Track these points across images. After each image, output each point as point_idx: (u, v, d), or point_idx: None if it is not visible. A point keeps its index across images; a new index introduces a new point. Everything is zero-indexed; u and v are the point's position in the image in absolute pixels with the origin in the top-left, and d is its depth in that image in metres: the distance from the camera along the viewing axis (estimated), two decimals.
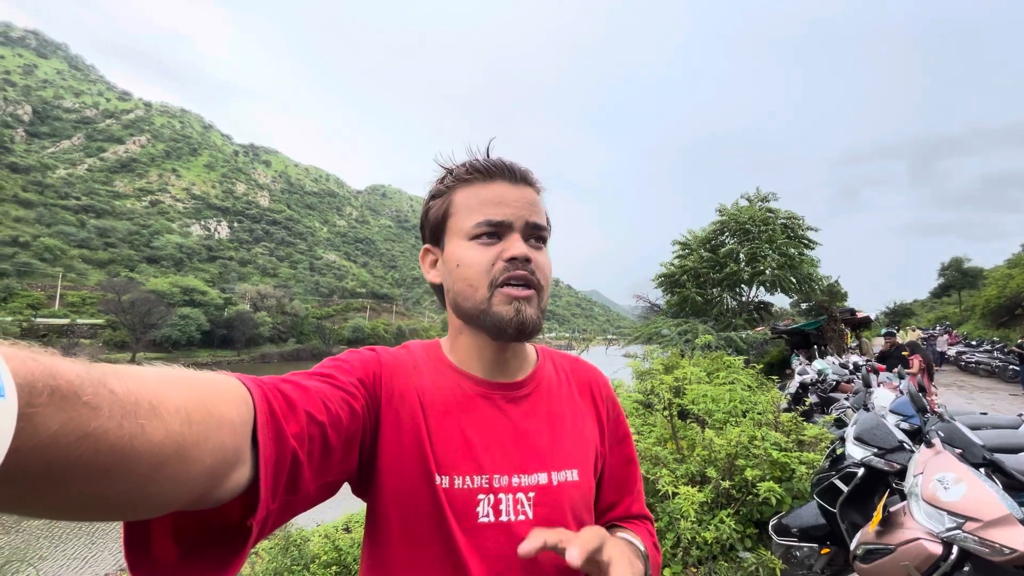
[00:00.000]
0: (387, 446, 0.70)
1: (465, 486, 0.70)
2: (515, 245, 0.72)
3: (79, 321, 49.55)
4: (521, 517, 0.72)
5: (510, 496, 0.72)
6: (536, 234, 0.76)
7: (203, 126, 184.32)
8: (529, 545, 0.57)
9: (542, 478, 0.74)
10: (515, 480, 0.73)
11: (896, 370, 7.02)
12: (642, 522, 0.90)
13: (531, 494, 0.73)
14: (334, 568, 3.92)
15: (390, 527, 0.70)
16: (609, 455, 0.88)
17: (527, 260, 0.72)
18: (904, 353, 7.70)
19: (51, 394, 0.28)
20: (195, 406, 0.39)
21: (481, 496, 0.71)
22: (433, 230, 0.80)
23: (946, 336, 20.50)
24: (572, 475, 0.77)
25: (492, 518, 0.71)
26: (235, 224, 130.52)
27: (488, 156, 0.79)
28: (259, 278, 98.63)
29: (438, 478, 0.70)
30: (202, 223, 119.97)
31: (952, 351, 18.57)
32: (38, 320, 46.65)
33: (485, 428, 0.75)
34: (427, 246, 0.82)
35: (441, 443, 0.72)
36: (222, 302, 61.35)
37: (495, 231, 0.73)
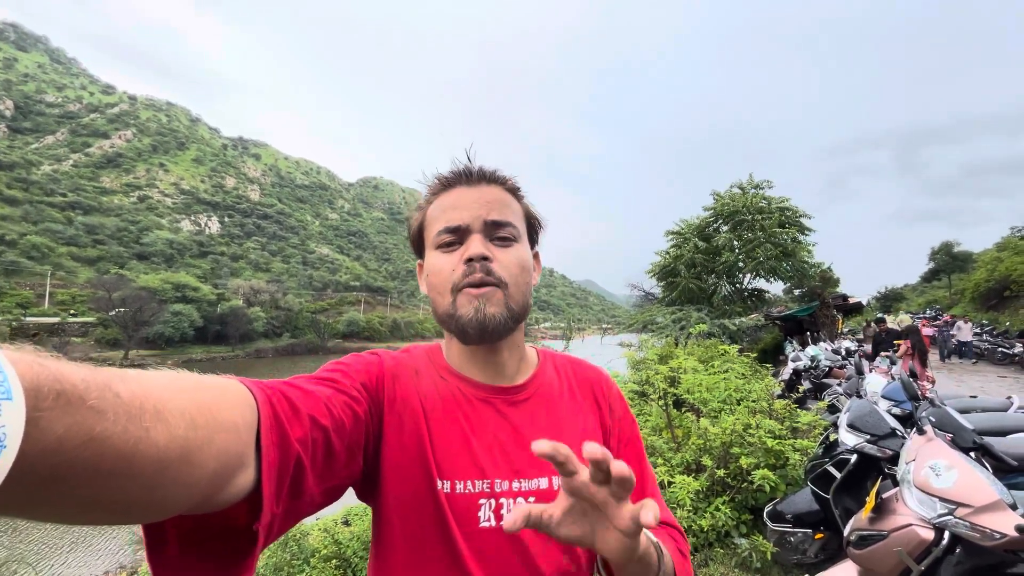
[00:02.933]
0: (390, 451, 0.71)
1: (467, 491, 0.71)
2: (472, 246, 0.73)
3: (70, 319, 49.05)
4: None
5: (511, 501, 0.72)
6: (498, 232, 0.75)
7: (190, 119, 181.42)
8: (511, 520, 0.48)
9: (543, 483, 0.74)
10: (516, 485, 0.73)
11: (887, 355, 7.11)
12: (664, 527, 0.83)
13: (531, 499, 0.73)
14: (334, 562, 3.94)
15: (393, 531, 0.71)
16: (616, 456, 0.87)
17: (484, 259, 0.72)
18: (897, 342, 7.78)
19: (57, 398, 0.29)
20: (199, 410, 0.39)
21: (483, 501, 0.71)
22: (415, 245, 0.83)
23: (970, 323, 16.22)
24: None
25: (493, 523, 0.71)
26: (226, 219, 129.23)
27: (465, 163, 0.79)
28: (251, 273, 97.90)
29: (440, 483, 0.70)
30: (192, 218, 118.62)
31: (973, 338, 15.60)
32: (28, 319, 46.13)
33: (486, 433, 0.75)
34: (419, 261, 0.84)
35: (443, 448, 0.72)
36: (215, 298, 60.97)
37: (455, 237, 0.74)
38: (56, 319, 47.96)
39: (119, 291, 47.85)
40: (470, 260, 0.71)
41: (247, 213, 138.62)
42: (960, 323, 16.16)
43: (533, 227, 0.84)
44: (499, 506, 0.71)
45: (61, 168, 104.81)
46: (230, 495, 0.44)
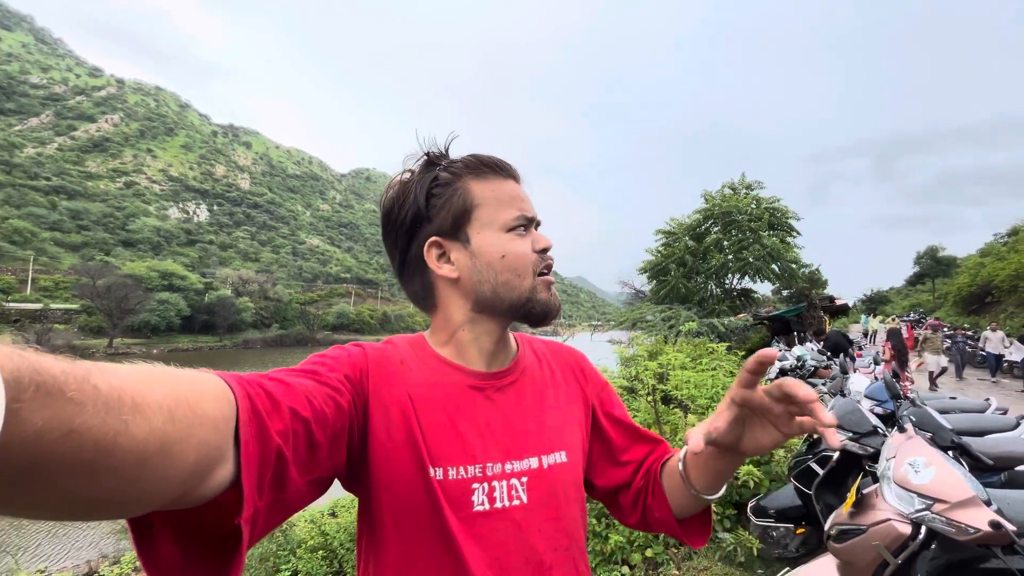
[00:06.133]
0: (378, 442, 0.70)
1: (459, 477, 0.71)
2: (542, 238, 0.82)
3: (52, 306, 48.16)
4: (516, 502, 0.74)
5: (503, 483, 0.73)
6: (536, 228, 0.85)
7: (179, 105, 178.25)
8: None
9: (533, 462, 0.76)
10: (508, 467, 0.74)
11: (872, 356, 7.24)
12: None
13: (524, 479, 0.75)
14: (320, 552, 3.94)
15: (384, 522, 0.71)
16: (608, 427, 0.92)
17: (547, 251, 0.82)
18: (884, 344, 7.90)
19: (36, 389, 0.28)
20: (178, 403, 0.39)
21: (475, 485, 0.72)
22: (456, 221, 0.77)
23: (1000, 332, 12.53)
24: (561, 457, 0.79)
25: (487, 506, 0.72)
26: (215, 207, 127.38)
27: (461, 152, 0.83)
28: (240, 263, 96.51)
29: (432, 470, 0.70)
30: (180, 206, 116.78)
31: (1014, 353, 12.15)
32: (9, 305, 45.23)
33: (476, 418, 0.76)
34: (436, 238, 0.78)
35: (433, 436, 0.72)
36: (202, 287, 60.17)
37: (526, 225, 0.80)
38: (38, 305, 47.06)
39: (104, 278, 46.98)
40: (544, 250, 0.80)
41: (237, 202, 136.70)
42: (987, 332, 12.72)
43: None
44: (492, 489, 0.73)
45: (45, 151, 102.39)
46: (209, 489, 0.44)
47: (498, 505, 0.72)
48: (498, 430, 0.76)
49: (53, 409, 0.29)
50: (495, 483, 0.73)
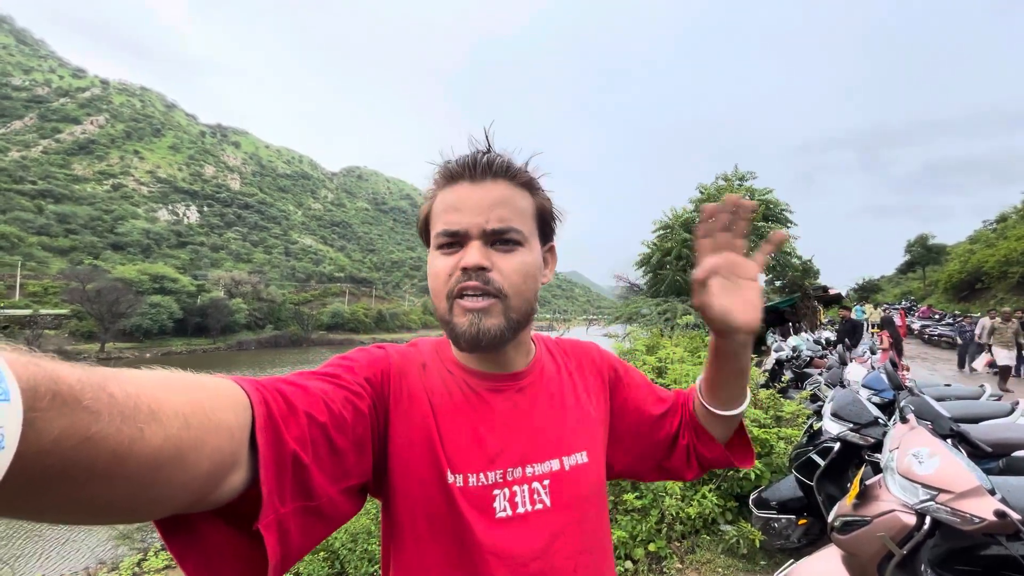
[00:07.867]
0: (398, 447, 0.69)
1: (480, 483, 0.70)
2: (469, 254, 0.69)
3: (42, 311, 47.51)
4: (539, 506, 0.72)
5: (525, 487, 0.72)
6: (500, 237, 0.70)
7: (165, 105, 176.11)
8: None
9: (555, 465, 0.75)
10: (528, 470, 0.73)
11: (870, 345, 7.29)
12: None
13: (546, 482, 0.73)
14: (322, 553, 3.92)
15: (403, 527, 0.70)
16: (637, 399, 0.91)
17: (480, 269, 0.68)
18: (875, 331, 7.97)
19: (53, 398, 0.29)
20: (193, 410, 0.39)
21: (496, 491, 0.70)
22: (422, 235, 0.79)
23: (998, 319, 10.80)
24: (582, 457, 0.78)
25: (510, 512, 0.70)
26: (205, 208, 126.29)
27: (483, 148, 0.74)
28: (232, 264, 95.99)
29: (451, 477, 0.69)
30: (169, 208, 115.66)
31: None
32: None
33: (496, 422, 0.74)
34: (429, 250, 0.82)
35: (453, 442, 0.71)
36: (194, 289, 59.70)
37: (454, 240, 0.71)
38: (28, 311, 46.44)
39: (93, 282, 46.41)
40: (465, 269, 0.68)
41: (227, 203, 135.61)
42: (985, 320, 11.17)
43: (547, 222, 0.80)
44: (513, 495, 0.71)
45: (30, 154, 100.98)
46: (223, 494, 0.45)
47: (520, 510, 0.71)
48: (519, 432, 0.75)
49: (69, 418, 0.30)
50: (516, 488, 0.72)
